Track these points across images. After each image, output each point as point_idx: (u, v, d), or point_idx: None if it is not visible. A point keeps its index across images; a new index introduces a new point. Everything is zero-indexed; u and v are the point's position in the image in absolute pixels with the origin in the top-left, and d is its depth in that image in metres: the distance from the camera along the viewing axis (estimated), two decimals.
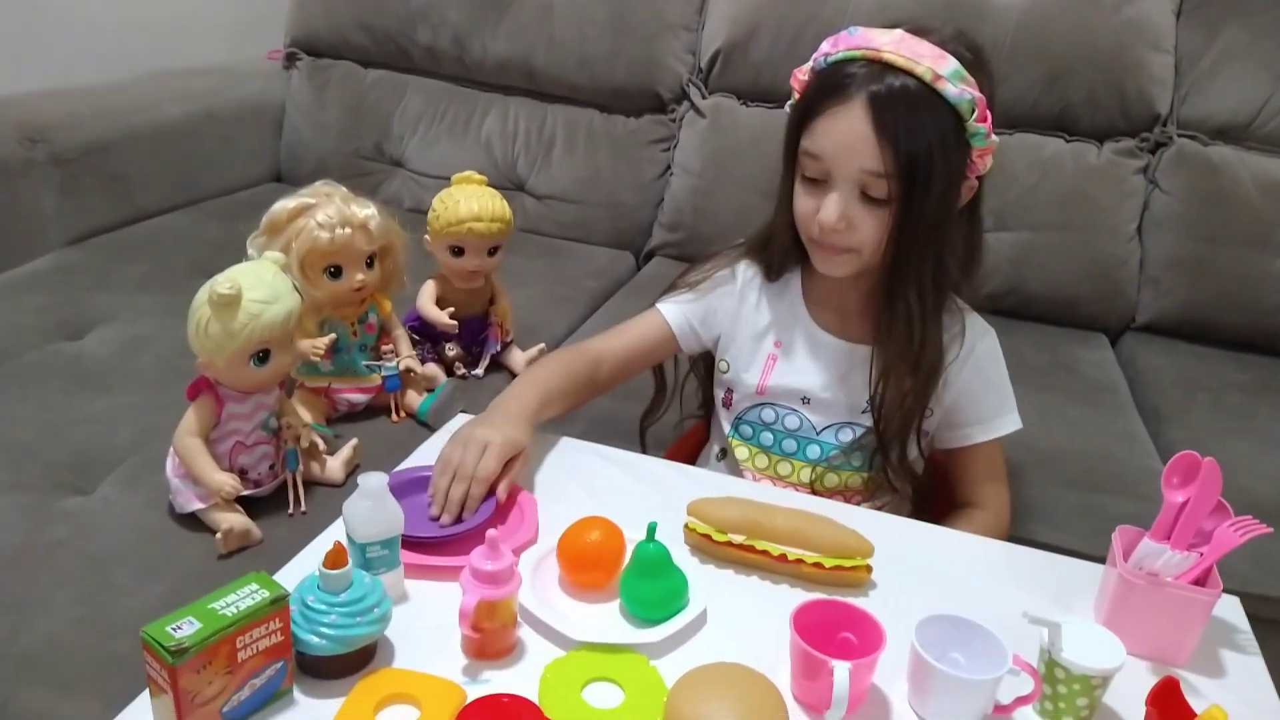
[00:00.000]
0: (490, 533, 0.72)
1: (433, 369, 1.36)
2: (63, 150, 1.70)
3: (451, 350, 1.40)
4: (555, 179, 2.06)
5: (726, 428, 1.13)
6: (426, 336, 1.39)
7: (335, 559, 0.68)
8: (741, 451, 1.10)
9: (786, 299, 1.10)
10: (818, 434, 1.07)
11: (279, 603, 0.65)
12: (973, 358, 1.06)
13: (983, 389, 1.07)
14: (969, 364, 1.05)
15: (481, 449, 0.91)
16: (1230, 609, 0.88)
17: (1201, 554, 0.79)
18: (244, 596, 0.64)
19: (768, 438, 1.09)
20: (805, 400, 1.07)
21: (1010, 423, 1.08)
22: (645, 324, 1.16)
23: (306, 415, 1.17)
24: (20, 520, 1.02)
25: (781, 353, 1.09)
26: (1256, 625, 1.22)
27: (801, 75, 1.01)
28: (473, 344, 1.42)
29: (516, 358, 1.44)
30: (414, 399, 1.29)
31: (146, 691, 0.65)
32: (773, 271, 1.10)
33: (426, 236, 1.35)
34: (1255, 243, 1.74)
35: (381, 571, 0.76)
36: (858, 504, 1.06)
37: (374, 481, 0.76)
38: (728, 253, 1.16)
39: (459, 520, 0.88)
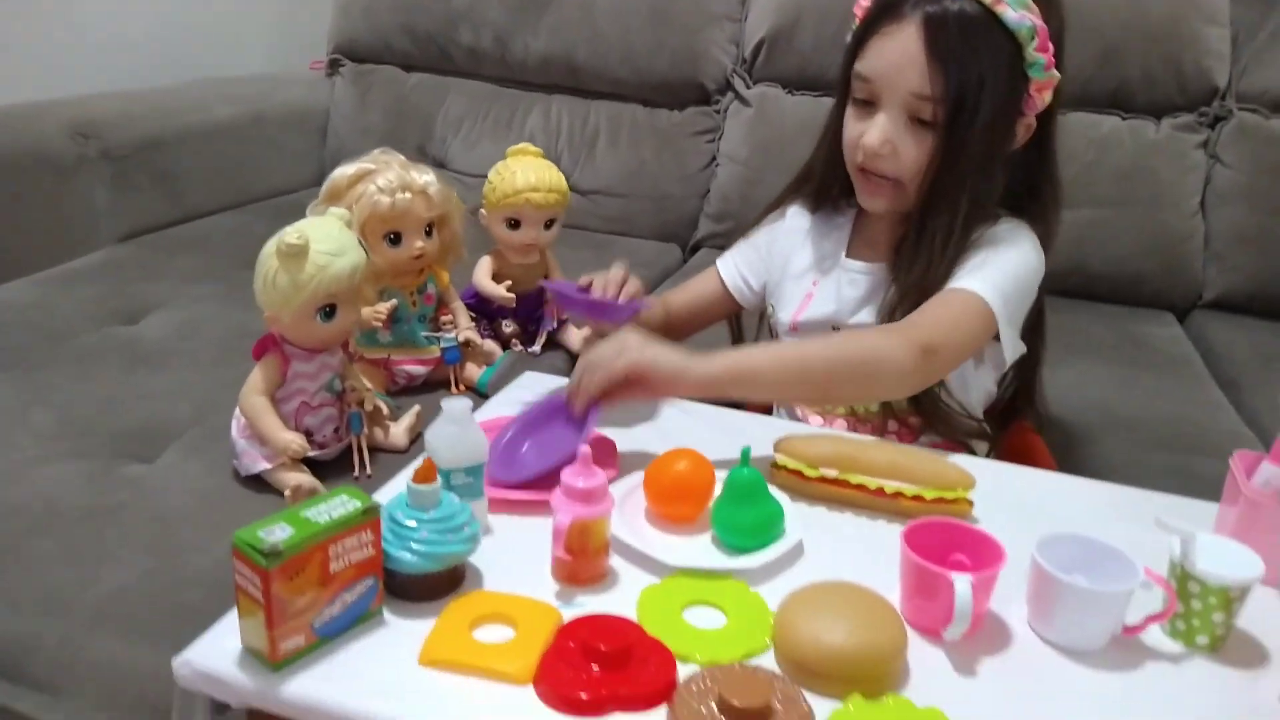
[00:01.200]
0: (583, 449, 0.69)
1: (491, 345, 1.34)
2: (114, 146, 1.71)
3: (508, 327, 1.38)
4: (599, 174, 2.05)
5: None
6: (483, 313, 1.37)
7: (425, 474, 0.66)
8: None
9: (831, 239, 1.09)
10: None
11: (370, 513, 0.62)
12: (975, 243, 0.97)
13: (973, 257, 0.96)
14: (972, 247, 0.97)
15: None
16: None
17: None
18: (335, 506, 0.61)
19: None
20: (835, 329, 1.04)
21: (981, 285, 0.93)
22: (703, 279, 1.19)
23: (374, 395, 1.15)
24: (85, 485, 1.01)
25: (817, 289, 1.07)
26: None
27: (865, 2, 1.00)
28: (529, 321, 1.40)
29: (572, 336, 1.42)
30: (473, 372, 1.27)
31: (234, 612, 0.62)
32: (816, 202, 1.09)
33: (482, 210, 1.33)
34: None
35: (467, 500, 0.73)
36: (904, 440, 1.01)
37: (458, 406, 0.73)
38: (777, 204, 1.16)
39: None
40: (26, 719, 0.80)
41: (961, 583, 0.62)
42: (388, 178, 1.15)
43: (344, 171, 1.16)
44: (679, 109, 2.04)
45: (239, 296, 0.95)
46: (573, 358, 1.40)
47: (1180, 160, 1.76)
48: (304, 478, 0.99)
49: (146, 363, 1.29)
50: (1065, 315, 1.68)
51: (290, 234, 0.93)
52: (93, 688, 0.79)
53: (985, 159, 0.95)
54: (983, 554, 0.68)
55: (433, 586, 0.66)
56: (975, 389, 1.06)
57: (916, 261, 0.97)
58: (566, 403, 0.88)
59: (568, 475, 0.68)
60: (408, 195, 1.15)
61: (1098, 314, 1.72)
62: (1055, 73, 0.94)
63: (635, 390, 0.86)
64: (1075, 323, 1.66)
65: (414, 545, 0.64)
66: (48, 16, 1.97)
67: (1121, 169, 1.76)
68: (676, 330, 1.16)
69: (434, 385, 1.26)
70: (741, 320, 1.23)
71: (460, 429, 0.73)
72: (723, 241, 1.95)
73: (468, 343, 1.26)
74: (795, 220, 1.13)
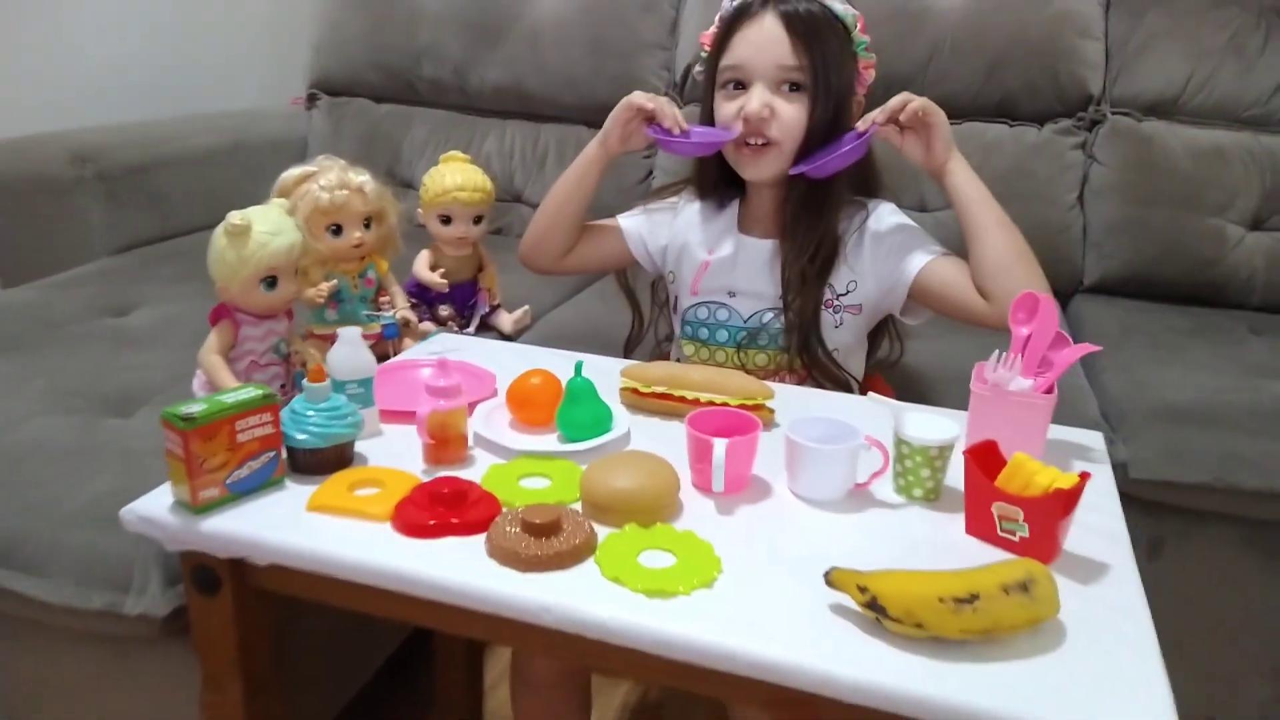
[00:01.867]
0: (440, 356, 0.89)
1: (428, 326, 1.54)
2: (108, 169, 1.93)
3: (445, 311, 1.58)
4: (548, 189, 2.26)
5: (678, 330, 1.30)
6: (423, 300, 1.58)
7: (316, 375, 0.86)
8: (688, 348, 1.27)
9: (722, 219, 1.29)
10: (745, 321, 1.23)
11: (269, 399, 0.82)
12: (869, 232, 1.21)
13: (898, 239, 1.20)
14: (868, 237, 1.21)
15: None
16: (1094, 440, 1.02)
17: (1047, 376, 0.94)
18: (241, 393, 0.81)
19: (704, 332, 1.26)
20: (731, 294, 1.24)
21: (936, 252, 1.20)
22: (606, 224, 1.39)
23: (316, 355, 1.35)
24: (71, 432, 1.21)
25: (713, 259, 1.26)
26: (1161, 512, 1.35)
27: (710, 31, 1.23)
28: (464, 306, 1.61)
29: (504, 319, 1.62)
30: (409, 347, 1.47)
31: (168, 484, 0.82)
32: (701, 191, 1.30)
33: (419, 209, 1.55)
34: (1187, 204, 1.89)
35: (359, 408, 0.93)
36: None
37: (351, 333, 0.93)
38: (671, 189, 1.38)
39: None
40: (21, 595, 0.99)
41: (719, 445, 0.81)
42: (329, 177, 1.36)
43: (291, 173, 1.38)
44: None
45: (216, 295, 1.17)
46: (504, 337, 1.61)
47: (1058, 160, 1.96)
48: None
49: (131, 344, 1.50)
50: None
51: (234, 216, 1.14)
52: (73, 569, 0.99)
53: (840, 122, 1.17)
54: (750, 429, 0.87)
55: (324, 462, 0.86)
56: (857, 351, 1.28)
57: (798, 228, 1.19)
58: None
59: (430, 377, 0.88)
60: (345, 192, 1.36)
61: None
62: (873, 55, 1.16)
63: (920, 134, 1.14)
64: None
65: (309, 427, 0.84)
66: (54, 54, 2.22)
67: (1004, 170, 1.95)
68: (573, 261, 1.38)
69: (376, 359, 1.46)
70: (635, 292, 1.42)
71: (352, 350, 0.93)
72: None
73: (406, 321, 1.46)
74: (687, 205, 1.34)
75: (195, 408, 0.78)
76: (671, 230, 1.33)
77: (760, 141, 1.16)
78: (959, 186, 1.17)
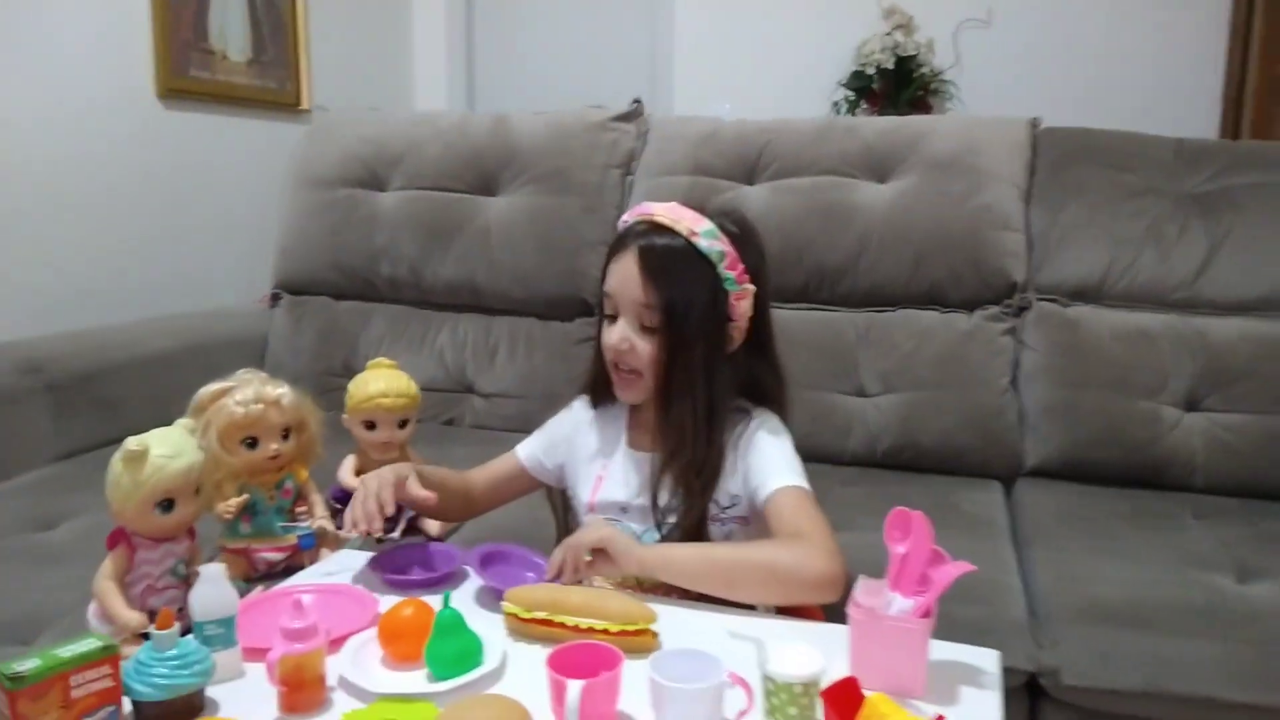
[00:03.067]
0: (297, 598, 0.87)
1: (350, 533, 1.53)
2: (57, 378, 1.97)
3: None
4: (499, 379, 2.31)
5: None
6: (348, 504, 1.57)
7: (163, 622, 0.84)
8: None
9: (612, 429, 1.31)
10: (638, 538, 1.21)
11: (109, 650, 0.80)
12: (745, 441, 1.22)
13: (759, 459, 1.20)
14: (744, 446, 1.21)
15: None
16: (988, 660, 0.99)
17: (925, 596, 0.92)
18: (81, 644, 0.80)
19: None
20: (624, 509, 1.24)
21: (795, 479, 1.17)
22: (503, 460, 1.41)
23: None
24: None
25: (605, 472, 1.27)
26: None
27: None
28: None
29: (430, 523, 1.61)
30: (327, 558, 1.45)
31: None
32: (595, 398, 1.32)
33: (344, 415, 1.56)
34: (1119, 387, 1.91)
35: (219, 648, 0.91)
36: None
37: (213, 570, 0.92)
38: (567, 401, 1.40)
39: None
40: None
41: (573, 687, 0.79)
42: (245, 392, 1.38)
43: (207, 389, 1.40)
44: (568, 320, 2.32)
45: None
46: (431, 540, 1.59)
47: (989, 345, 2.00)
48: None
49: (49, 561, 1.49)
50: (895, 487, 1.87)
51: (131, 442, 1.15)
52: None
53: (707, 354, 1.19)
54: (612, 668, 0.84)
55: (171, 714, 0.83)
56: None
57: (672, 444, 1.21)
58: (552, 577, 1.12)
59: (284, 618, 0.87)
60: (261, 406, 1.38)
61: (926, 485, 1.90)
62: (748, 285, 1.19)
63: (598, 563, 1.11)
64: (903, 493, 1.81)
65: (151, 679, 0.82)
66: (22, 263, 2.30)
67: (938, 356, 1.99)
68: (477, 503, 1.39)
69: (293, 569, 1.44)
70: (557, 497, 1.43)
71: (213, 588, 0.91)
72: None
73: (324, 531, 1.45)
74: (581, 413, 1.37)
75: (27, 665, 0.76)
76: (569, 445, 1.35)
77: (627, 369, 1.21)
78: (677, 576, 1.12)
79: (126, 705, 0.83)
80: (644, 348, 1.19)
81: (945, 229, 2.04)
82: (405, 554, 1.23)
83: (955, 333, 2.01)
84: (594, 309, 2.29)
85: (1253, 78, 3.18)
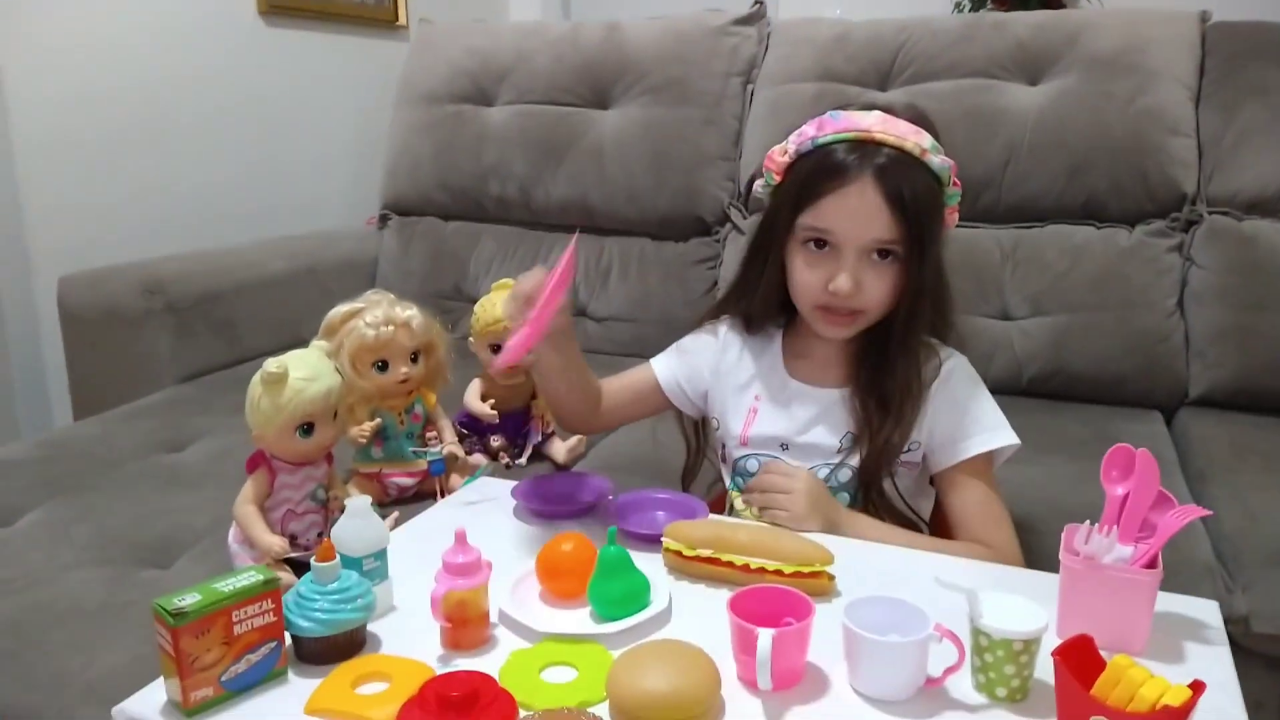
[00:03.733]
0: (459, 529, 0.81)
1: (478, 458, 1.49)
2: (177, 299, 1.96)
3: (496, 441, 1.52)
4: (612, 302, 2.23)
5: (728, 481, 1.21)
6: (474, 430, 1.53)
7: (325, 554, 0.79)
8: (738, 502, 1.17)
9: (767, 357, 1.20)
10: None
11: (270, 584, 0.76)
12: (940, 386, 1.11)
13: (955, 413, 1.10)
14: (937, 392, 1.11)
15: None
16: (1209, 612, 0.88)
17: (1148, 544, 0.81)
18: (241, 579, 0.75)
19: None
20: (784, 446, 1.14)
21: (989, 440, 1.09)
22: (638, 373, 1.28)
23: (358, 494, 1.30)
24: (103, 586, 1.17)
25: (761, 405, 1.17)
26: None
27: (781, 157, 1.11)
28: (517, 436, 1.55)
29: (557, 448, 1.55)
30: (458, 483, 1.40)
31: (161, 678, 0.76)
32: (752, 325, 1.20)
33: (470, 339, 1.50)
34: None
35: (378, 582, 0.86)
36: None
37: (359, 504, 0.87)
38: (709, 318, 1.28)
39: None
40: None
41: (764, 636, 0.71)
42: (375, 314, 1.33)
43: (338, 310, 1.35)
44: (682, 240, 2.21)
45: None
46: (558, 468, 1.54)
47: (1153, 264, 1.82)
48: (286, 577, 1.12)
49: (180, 484, 1.48)
50: (1047, 416, 1.75)
51: (271, 364, 1.10)
52: None
53: (934, 277, 1.08)
54: (804, 614, 0.77)
55: (332, 650, 0.79)
56: (918, 497, 1.16)
57: (882, 386, 1.10)
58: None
59: (448, 553, 0.81)
60: (391, 328, 1.33)
61: (1081, 414, 1.77)
62: (960, 196, 1.08)
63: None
64: (1055, 422, 1.71)
65: (314, 613, 0.77)
66: (135, 185, 2.30)
67: (1095, 276, 1.83)
68: (604, 416, 1.26)
69: (423, 495, 1.40)
70: (699, 426, 1.32)
71: (363, 522, 0.86)
72: None
73: (454, 456, 1.41)
74: (728, 338, 1.24)
75: (188, 599, 0.72)
76: (715, 373, 1.23)
77: (846, 310, 1.08)
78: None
79: (287, 640, 0.79)
80: (876, 287, 1.05)
81: (1106, 134, 1.85)
82: (546, 484, 1.16)
83: (1115, 249, 1.84)
84: (711, 228, 2.19)
85: None
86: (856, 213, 1.03)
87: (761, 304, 1.17)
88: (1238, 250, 1.79)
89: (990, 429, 1.10)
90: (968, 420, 1.10)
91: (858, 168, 1.02)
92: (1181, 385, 1.80)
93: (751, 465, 1.16)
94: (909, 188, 1.01)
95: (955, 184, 1.08)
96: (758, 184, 1.17)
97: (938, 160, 1.04)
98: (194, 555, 1.26)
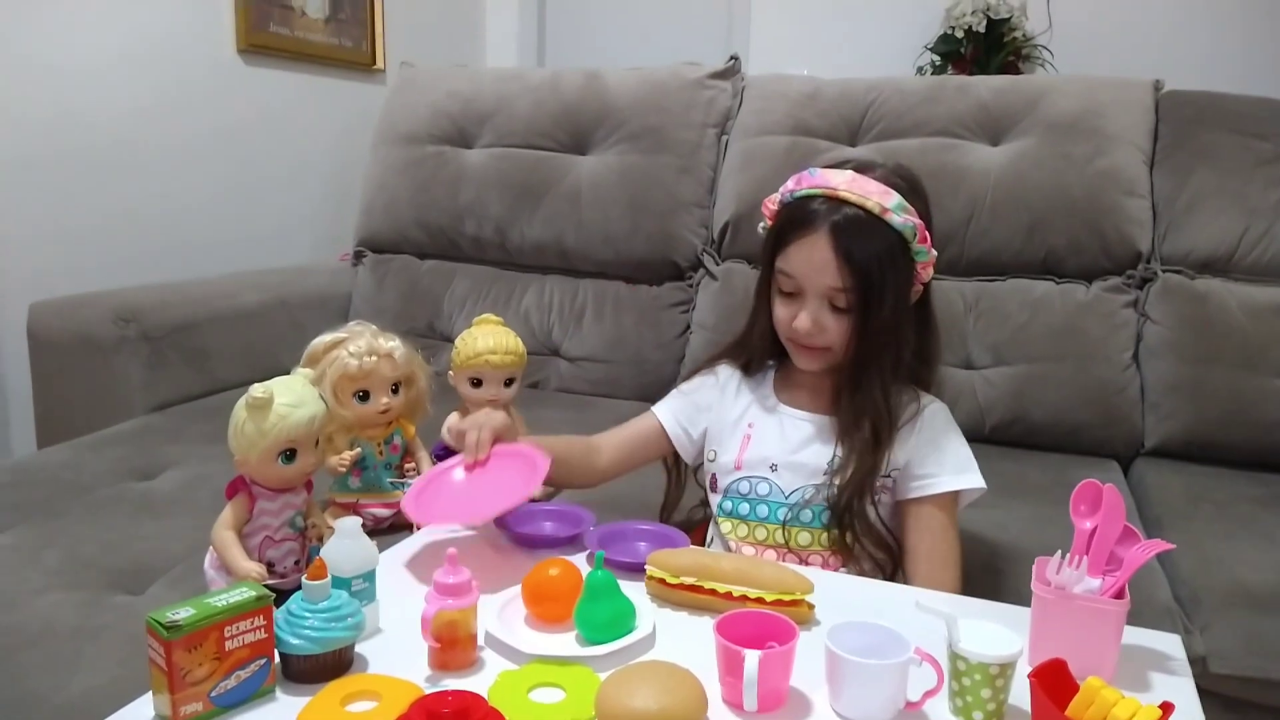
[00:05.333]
0: (450, 551, 0.83)
1: None
2: (151, 328, 1.95)
3: None
4: (586, 343, 2.25)
5: (714, 509, 1.24)
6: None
7: (316, 572, 0.80)
8: (725, 525, 1.21)
9: (761, 389, 1.26)
10: (786, 496, 1.18)
11: (263, 600, 0.76)
12: (920, 423, 1.17)
13: (930, 449, 1.17)
14: (918, 429, 1.17)
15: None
16: (1172, 645, 0.92)
17: (1115, 576, 0.85)
18: (234, 594, 0.76)
19: (744, 507, 1.20)
20: (774, 467, 1.19)
21: (956, 481, 1.16)
22: (641, 422, 1.34)
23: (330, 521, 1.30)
24: (73, 611, 1.16)
25: (754, 431, 1.22)
26: (1247, 709, 1.23)
27: (771, 205, 1.21)
28: None
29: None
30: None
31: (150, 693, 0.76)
32: (751, 367, 1.27)
33: (450, 372, 1.52)
34: (1249, 364, 1.80)
35: (366, 604, 0.87)
36: (832, 568, 1.13)
37: (350, 523, 0.88)
38: (709, 363, 1.33)
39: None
40: None
41: (751, 658, 0.73)
42: (358, 344, 1.35)
43: (321, 339, 1.36)
44: (657, 284, 2.26)
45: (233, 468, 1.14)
46: (533, 501, 1.55)
47: (1109, 319, 1.90)
48: None
49: (152, 511, 1.46)
50: (1009, 463, 1.79)
51: (257, 389, 1.11)
52: None
53: (894, 324, 1.15)
54: (787, 638, 0.79)
55: (321, 669, 0.79)
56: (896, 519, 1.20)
57: (856, 411, 1.16)
58: None
59: (439, 573, 0.82)
60: (374, 358, 1.34)
61: (1041, 461, 1.82)
62: (933, 251, 1.13)
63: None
64: (1016, 469, 1.76)
65: (304, 631, 0.78)
66: (109, 214, 2.29)
67: (1054, 328, 1.90)
68: (604, 471, 1.31)
69: (399, 527, 1.40)
70: (680, 465, 1.37)
71: (353, 542, 0.87)
72: None
73: None
74: (727, 377, 1.31)
75: (183, 613, 0.72)
76: (715, 409, 1.29)
77: (813, 345, 1.16)
78: None
79: (276, 657, 0.79)
80: (835, 329, 1.14)
81: (1065, 193, 1.93)
82: (529, 514, 1.18)
83: (1073, 303, 1.91)
84: (684, 273, 2.23)
85: None
86: (812, 261, 1.11)
87: (759, 338, 1.24)
88: (1190, 307, 1.87)
89: (958, 470, 1.17)
90: (939, 459, 1.17)
91: (819, 221, 1.11)
92: (1137, 435, 1.86)
93: (743, 487, 1.21)
94: (860, 243, 1.09)
95: (923, 241, 1.13)
96: (760, 227, 1.23)
97: (899, 219, 1.10)
98: (167, 581, 1.25)
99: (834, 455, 1.16)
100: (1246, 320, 1.83)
